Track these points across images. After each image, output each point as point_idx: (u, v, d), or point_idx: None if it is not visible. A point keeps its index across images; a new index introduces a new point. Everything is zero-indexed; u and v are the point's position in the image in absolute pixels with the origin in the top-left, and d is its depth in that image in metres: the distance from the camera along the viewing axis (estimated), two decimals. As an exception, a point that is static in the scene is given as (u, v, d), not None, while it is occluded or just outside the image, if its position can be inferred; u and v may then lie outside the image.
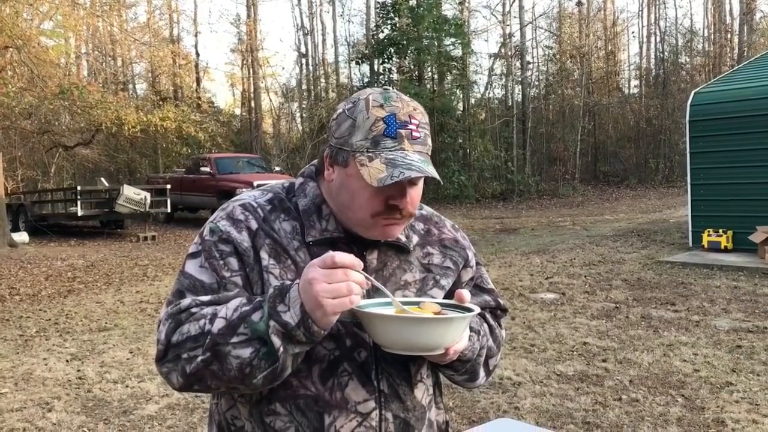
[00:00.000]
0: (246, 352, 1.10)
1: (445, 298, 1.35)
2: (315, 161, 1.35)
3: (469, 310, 1.21)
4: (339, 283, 1.07)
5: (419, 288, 1.32)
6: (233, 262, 1.22)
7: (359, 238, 1.27)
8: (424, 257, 1.35)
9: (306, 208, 1.27)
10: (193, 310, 1.17)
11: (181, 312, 1.17)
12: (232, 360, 1.10)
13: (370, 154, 1.18)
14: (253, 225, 1.24)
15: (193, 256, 1.25)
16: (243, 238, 1.22)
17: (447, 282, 1.38)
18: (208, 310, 1.15)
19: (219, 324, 1.11)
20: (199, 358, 1.12)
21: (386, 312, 1.15)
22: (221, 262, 1.22)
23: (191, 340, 1.13)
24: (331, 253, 1.08)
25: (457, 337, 1.17)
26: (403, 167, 1.16)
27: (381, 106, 1.20)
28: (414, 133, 1.20)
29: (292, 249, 1.24)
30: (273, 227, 1.25)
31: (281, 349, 1.10)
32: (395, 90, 1.25)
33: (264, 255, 1.22)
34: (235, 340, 1.10)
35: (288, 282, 1.14)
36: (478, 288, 1.45)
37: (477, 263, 1.46)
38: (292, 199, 1.30)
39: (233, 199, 1.32)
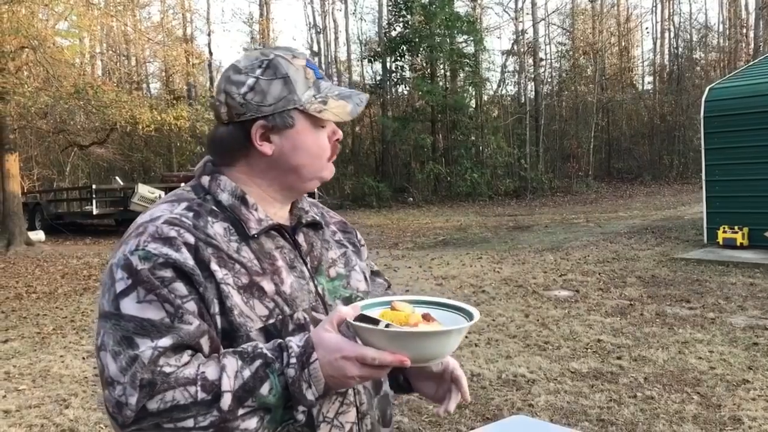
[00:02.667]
0: (252, 423, 1.05)
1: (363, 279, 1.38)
2: (205, 159, 1.27)
3: (445, 305, 1.20)
4: (369, 375, 1.08)
5: (345, 263, 1.33)
6: (179, 287, 1.08)
7: (283, 226, 1.25)
8: (333, 234, 1.37)
9: (231, 203, 1.20)
10: (168, 370, 1.03)
11: (150, 370, 1.02)
12: None
13: (320, 98, 1.20)
14: (190, 239, 1.11)
15: (125, 293, 1.07)
16: (185, 257, 1.09)
17: (361, 264, 1.39)
18: (189, 371, 1.03)
19: (227, 400, 1.02)
20: None
21: (387, 327, 1.09)
22: (166, 290, 1.07)
23: (179, 409, 1.01)
24: (371, 354, 1.04)
25: (457, 344, 1.14)
26: (354, 96, 1.23)
27: (294, 57, 1.21)
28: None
29: (233, 251, 1.15)
30: (208, 234, 1.14)
31: (303, 421, 1.09)
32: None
33: (215, 267, 1.11)
34: (241, 412, 1.04)
35: (295, 346, 1.07)
36: (371, 273, 1.46)
37: None
38: (207, 198, 1.20)
39: (143, 220, 1.16)
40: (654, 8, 30.15)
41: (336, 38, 30.54)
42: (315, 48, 30.01)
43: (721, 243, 9.58)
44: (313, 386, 1.05)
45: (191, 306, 1.08)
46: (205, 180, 1.23)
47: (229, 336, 1.12)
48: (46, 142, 21.31)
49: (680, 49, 28.96)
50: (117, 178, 20.08)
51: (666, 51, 30.02)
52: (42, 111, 15.63)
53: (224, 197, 1.20)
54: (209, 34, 37.99)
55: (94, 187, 17.21)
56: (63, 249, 14.05)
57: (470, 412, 4.26)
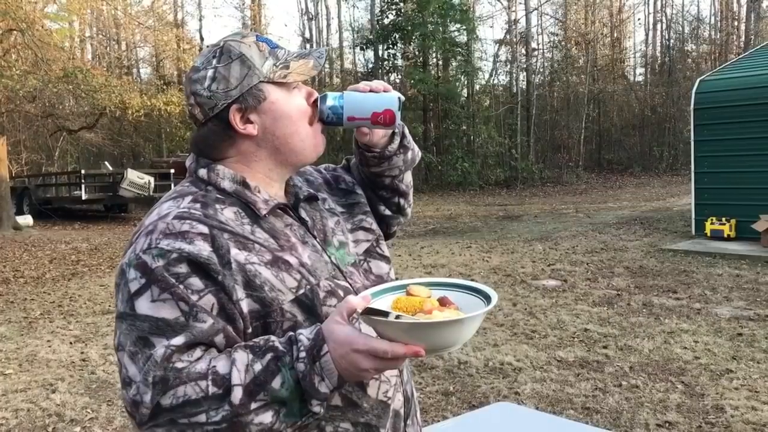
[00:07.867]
0: (267, 417, 1.02)
1: (365, 213, 1.39)
2: (193, 156, 1.25)
3: (463, 287, 1.15)
4: (384, 367, 1.05)
5: (342, 231, 1.32)
6: (195, 282, 1.06)
7: (287, 205, 1.26)
8: (324, 203, 1.36)
9: (234, 189, 1.19)
10: (180, 365, 1.02)
11: (162, 367, 1.02)
12: (252, 428, 1.02)
13: (281, 65, 1.21)
14: (203, 229, 1.10)
15: (139, 293, 1.06)
16: (199, 248, 1.07)
17: (362, 212, 1.40)
18: (201, 366, 1.03)
19: (237, 394, 1.01)
20: (210, 428, 1.01)
21: (412, 319, 1.05)
22: (181, 287, 1.05)
23: (191, 404, 1.01)
24: (383, 347, 1.00)
25: (474, 329, 1.09)
26: (313, 53, 1.25)
27: (243, 37, 1.22)
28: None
29: (248, 233, 1.15)
30: (220, 221, 1.13)
31: (322, 413, 1.06)
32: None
33: (235, 251, 1.10)
34: (254, 406, 1.02)
35: (305, 339, 1.04)
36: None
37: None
38: (208, 189, 1.19)
39: (151, 219, 1.14)
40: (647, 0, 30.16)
41: (328, 25, 30.43)
42: (307, 35, 29.90)
43: (708, 234, 9.65)
44: (326, 379, 1.02)
45: (207, 300, 1.06)
46: (203, 172, 1.21)
47: (262, 315, 1.11)
48: (34, 126, 21.11)
49: (672, 41, 29.03)
50: (106, 163, 19.96)
51: (658, 42, 30.08)
52: (30, 94, 15.53)
53: (226, 184, 1.19)
54: (200, 19, 37.80)
55: (83, 172, 17.10)
56: (51, 234, 13.97)
57: (456, 399, 4.29)
